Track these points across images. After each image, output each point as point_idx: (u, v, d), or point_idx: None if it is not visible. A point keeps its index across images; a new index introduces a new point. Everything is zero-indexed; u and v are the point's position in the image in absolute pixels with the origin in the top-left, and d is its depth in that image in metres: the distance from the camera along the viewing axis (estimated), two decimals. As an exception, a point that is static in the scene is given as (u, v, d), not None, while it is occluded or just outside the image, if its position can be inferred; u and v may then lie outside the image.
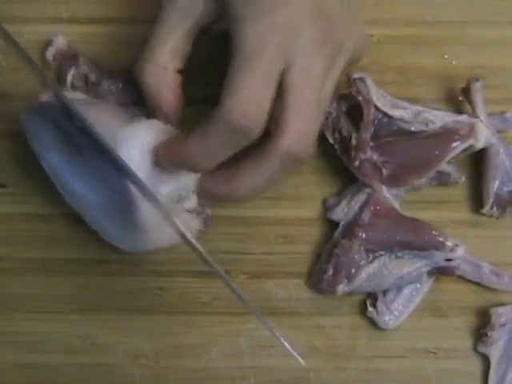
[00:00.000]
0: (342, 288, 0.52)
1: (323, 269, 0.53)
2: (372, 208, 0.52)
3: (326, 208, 0.55)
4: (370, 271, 0.52)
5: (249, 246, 0.55)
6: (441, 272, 0.52)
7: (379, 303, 0.53)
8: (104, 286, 0.55)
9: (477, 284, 0.54)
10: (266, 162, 0.45)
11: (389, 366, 0.54)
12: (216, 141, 0.44)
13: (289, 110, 0.45)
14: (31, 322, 0.55)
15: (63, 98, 0.47)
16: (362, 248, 0.52)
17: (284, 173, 0.47)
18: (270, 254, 0.55)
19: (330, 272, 0.52)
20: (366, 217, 0.52)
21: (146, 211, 0.47)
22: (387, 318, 0.53)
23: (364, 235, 0.52)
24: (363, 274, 0.52)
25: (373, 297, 0.54)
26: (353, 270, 0.52)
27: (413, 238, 0.51)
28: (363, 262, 0.52)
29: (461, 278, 0.54)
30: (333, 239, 0.54)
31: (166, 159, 0.46)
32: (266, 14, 0.44)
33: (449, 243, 0.51)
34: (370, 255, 0.52)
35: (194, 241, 0.47)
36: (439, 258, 0.51)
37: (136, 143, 0.46)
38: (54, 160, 0.52)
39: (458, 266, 0.52)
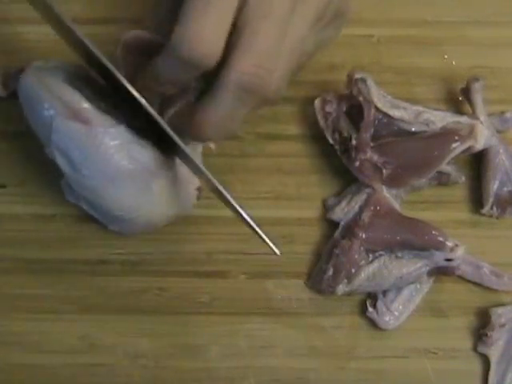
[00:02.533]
0: (342, 288, 0.52)
1: (323, 269, 0.53)
2: (372, 208, 0.52)
3: (326, 208, 0.55)
4: (370, 271, 0.52)
5: (249, 246, 0.55)
6: (441, 272, 0.52)
7: (379, 303, 0.53)
8: (104, 286, 0.55)
9: (477, 284, 0.54)
10: (219, 95, 0.44)
11: (389, 366, 0.54)
12: (167, 71, 0.44)
13: (240, 42, 0.42)
14: (31, 322, 0.54)
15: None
16: (362, 248, 0.52)
17: (243, 107, 0.45)
18: (269, 254, 0.55)
19: (330, 272, 0.52)
20: (366, 217, 0.52)
21: (165, 178, 0.48)
22: (387, 319, 0.53)
23: (364, 235, 0.52)
24: (363, 274, 0.52)
25: (373, 297, 0.54)
26: (353, 270, 0.52)
27: (413, 238, 0.51)
28: (363, 262, 0.52)
29: (461, 278, 0.54)
30: (333, 239, 0.54)
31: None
32: None
33: (449, 243, 0.51)
34: (370, 255, 0.52)
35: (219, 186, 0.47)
36: (439, 257, 0.51)
37: None
38: (73, 130, 0.48)
39: (458, 265, 0.52)
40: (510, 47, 0.56)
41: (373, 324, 0.54)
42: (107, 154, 0.48)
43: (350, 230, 0.53)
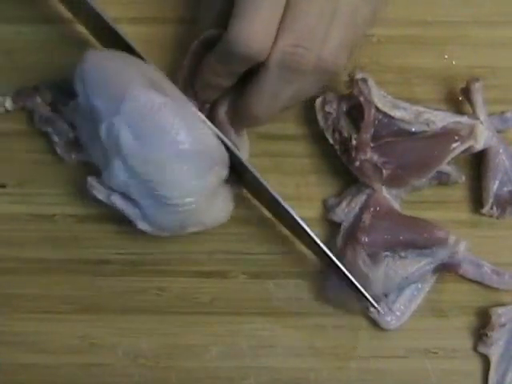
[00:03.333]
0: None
1: (333, 284, 0.53)
2: (372, 209, 0.52)
3: (327, 208, 0.55)
4: (378, 275, 0.52)
5: (249, 246, 0.55)
6: (445, 268, 0.52)
7: (381, 303, 0.53)
8: (104, 286, 0.55)
9: (477, 284, 0.54)
10: (263, 75, 0.46)
11: (389, 366, 0.54)
12: (223, 63, 0.47)
13: (282, 24, 0.45)
14: (31, 321, 0.55)
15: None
16: (365, 253, 0.52)
17: (287, 85, 0.48)
18: (270, 253, 0.55)
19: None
20: (366, 219, 0.52)
21: (222, 171, 0.50)
22: (389, 319, 0.53)
23: (366, 239, 0.52)
24: (371, 279, 0.52)
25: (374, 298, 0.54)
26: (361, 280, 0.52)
27: (415, 237, 0.51)
28: (369, 268, 0.52)
29: (461, 278, 0.54)
30: (335, 247, 0.54)
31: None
32: None
33: (451, 239, 0.51)
34: (375, 259, 0.52)
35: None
36: (443, 254, 0.51)
37: None
38: (148, 99, 0.48)
39: (462, 261, 0.52)
40: (510, 47, 0.56)
41: (373, 324, 0.54)
42: (178, 127, 0.47)
43: (352, 235, 0.52)
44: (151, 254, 0.54)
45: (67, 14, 0.54)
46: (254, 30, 0.44)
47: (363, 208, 0.53)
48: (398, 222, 0.52)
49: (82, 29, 0.55)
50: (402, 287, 0.53)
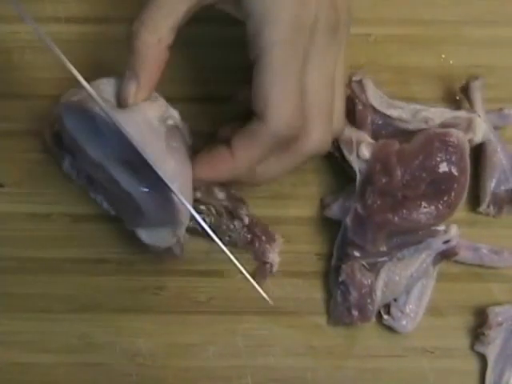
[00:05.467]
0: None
1: (337, 302, 0.53)
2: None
3: (323, 206, 0.54)
4: (381, 283, 0.52)
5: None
6: (444, 256, 0.52)
7: (393, 309, 0.53)
8: (102, 285, 0.55)
9: (474, 283, 0.54)
10: (257, 144, 0.46)
11: (386, 366, 0.54)
12: (262, 152, 0.46)
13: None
14: (30, 321, 0.55)
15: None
16: (362, 265, 0.52)
17: (277, 161, 0.47)
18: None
19: (345, 301, 0.53)
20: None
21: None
22: (404, 322, 0.53)
23: (359, 253, 0.52)
24: (378, 287, 0.52)
25: (385, 304, 0.54)
26: (363, 291, 0.52)
27: (406, 238, 0.51)
28: (369, 279, 0.52)
29: (459, 277, 0.54)
30: (332, 269, 0.54)
31: (212, 177, 0.47)
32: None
33: (441, 227, 0.51)
34: (373, 268, 0.52)
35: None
36: (437, 243, 0.51)
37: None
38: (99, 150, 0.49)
39: (457, 244, 0.52)
40: (506, 46, 0.56)
41: (370, 323, 0.54)
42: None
43: (344, 251, 0.53)
44: (148, 253, 0.54)
45: (66, 14, 0.55)
46: (289, 115, 0.45)
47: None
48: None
49: (81, 29, 0.55)
50: (409, 288, 0.53)
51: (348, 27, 0.48)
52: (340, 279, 0.53)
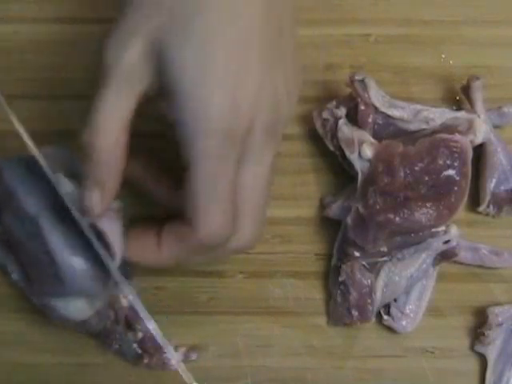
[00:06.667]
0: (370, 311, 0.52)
1: (337, 302, 0.53)
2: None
3: (323, 206, 0.54)
4: (381, 283, 0.52)
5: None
6: (444, 257, 0.52)
7: (393, 310, 0.53)
8: (102, 285, 0.55)
9: (474, 283, 0.54)
10: (184, 247, 0.45)
11: (386, 366, 0.54)
12: (189, 254, 0.45)
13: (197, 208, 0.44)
14: (27, 321, 0.55)
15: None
16: (363, 265, 0.52)
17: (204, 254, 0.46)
18: (267, 253, 0.55)
19: (345, 302, 0.53)
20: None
21: None
22: (404, 322, 0.53)
23: (359, 253, 0.52)
24: (378, 288, 0.52)
25: (385, 304, 0.54)
26: (363, 291, 0.52)
27: (406, 238, 0.51)
28: (369, 279, 0.52)
29: (459, 278, 0.54)
30: (331, 269, 0.54)
31: (137, 260, 0.47)
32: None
33: (441, 228, 0.51)
34: (373, 269, 0.52)
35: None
36: (437, 243, 0.51)
37: None
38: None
39: (458, 244, 0.52)
40: (507, 46, 0.56)
41: (370, 323, 0.54)
42: None
43: (344, 251, 0.53)
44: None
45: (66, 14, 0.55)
46: (216, 222, 0.43)
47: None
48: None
49: (80, 29, 0.55)
50: (409, 288, 0.53)
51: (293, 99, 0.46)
52: (340, 279, 0.53)
